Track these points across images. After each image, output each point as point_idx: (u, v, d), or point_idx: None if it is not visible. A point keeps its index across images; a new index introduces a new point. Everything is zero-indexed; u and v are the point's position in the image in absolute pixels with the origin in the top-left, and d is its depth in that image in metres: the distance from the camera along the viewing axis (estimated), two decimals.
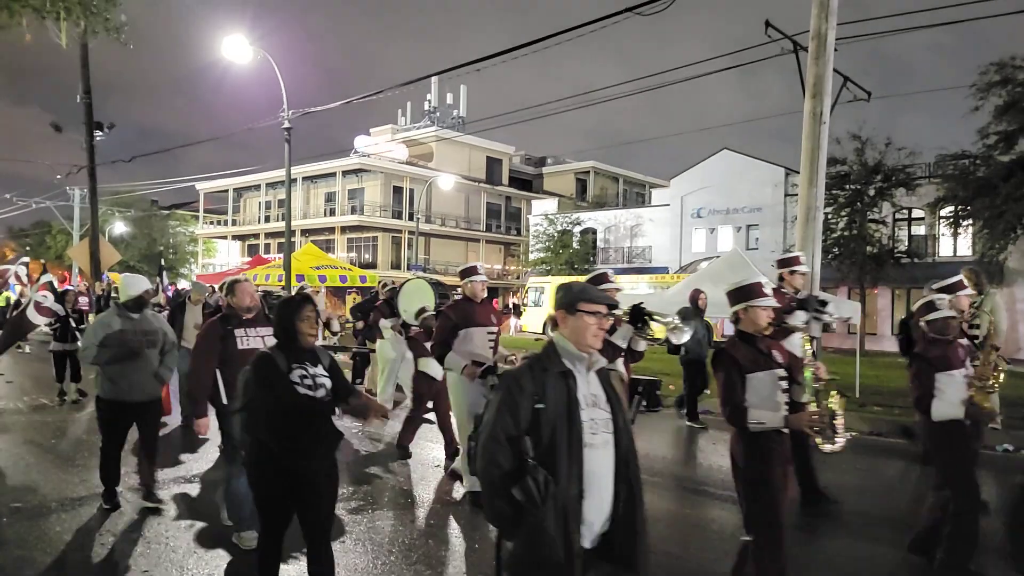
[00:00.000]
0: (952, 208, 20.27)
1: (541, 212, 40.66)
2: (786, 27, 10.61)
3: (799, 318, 5.39)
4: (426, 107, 51.54)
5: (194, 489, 6.00)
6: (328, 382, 3.48)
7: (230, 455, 4.70)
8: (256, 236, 48.88)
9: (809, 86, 9.90)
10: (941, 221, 24.20)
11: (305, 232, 43.91)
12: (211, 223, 52.90)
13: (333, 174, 44.78)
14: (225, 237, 50.55)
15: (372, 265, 41.47)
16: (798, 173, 10.37)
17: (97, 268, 16.10)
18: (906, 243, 25.84)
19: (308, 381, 3.38)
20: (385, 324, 9.14)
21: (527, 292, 31.34)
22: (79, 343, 10.06)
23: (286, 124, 18.07)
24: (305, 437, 3.32)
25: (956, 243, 25.40)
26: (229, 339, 4.59)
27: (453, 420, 6.37)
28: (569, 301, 2.56)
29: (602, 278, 5.61)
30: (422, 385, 7.33)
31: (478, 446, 2.44)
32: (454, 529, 5.22)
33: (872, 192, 23.31)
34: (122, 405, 5.27)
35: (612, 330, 4.97)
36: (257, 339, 4.61)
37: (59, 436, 8.05)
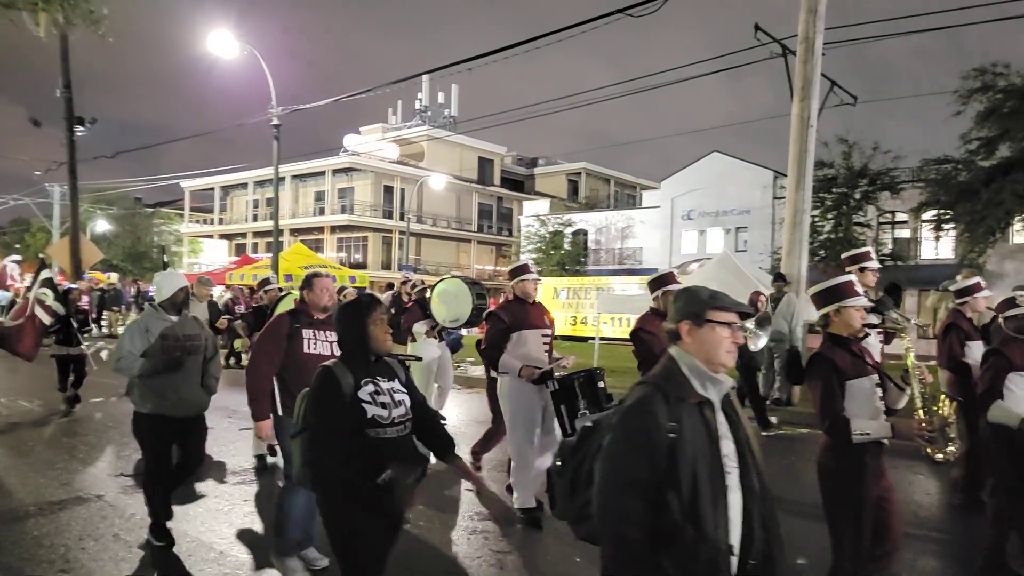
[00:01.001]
0: (935, 212, 20.45)
1: (533, 213, 40.67)
2: (775, 31, 10.69)
3: (871, 321, 4.72)
4: (417, 106, 51.46)
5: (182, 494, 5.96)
6: (407, 399, 2.97)
7: (286, 470, 4.09)
8: (243, 235, 48.63)
9: (797, 89, 9.97)
10: (924, 225, 24.39)
11: (294, 231, 43.73)
12: (197, 222, 52.61)
13: (322, 173, 44.62)
14: (211, 236, 50.23)
15: (362, 265, 41.35)
16: (786, 176, 10.44)
17: (78, 267, 15.95)
18: (890, 246, 26.11)
19: (382, 399, 2.86)
20: (419, 328, 8.20)
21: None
22: (83, 346, 9.57)
23: (275, 121, 17.99)
24: (385, 465, 2.74)
25: (938, 246, 25.66)
26: (295, 339, 4.11)
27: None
28: (696, 309, 2.14)
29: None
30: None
31: (599, 498, 2.00)
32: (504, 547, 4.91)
33: (858, 195, 23.53)
34: (166, 421, 4.62)
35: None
36: (325, 344, 4.14)
37: (37, 440, 7.94)
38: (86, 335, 10.20)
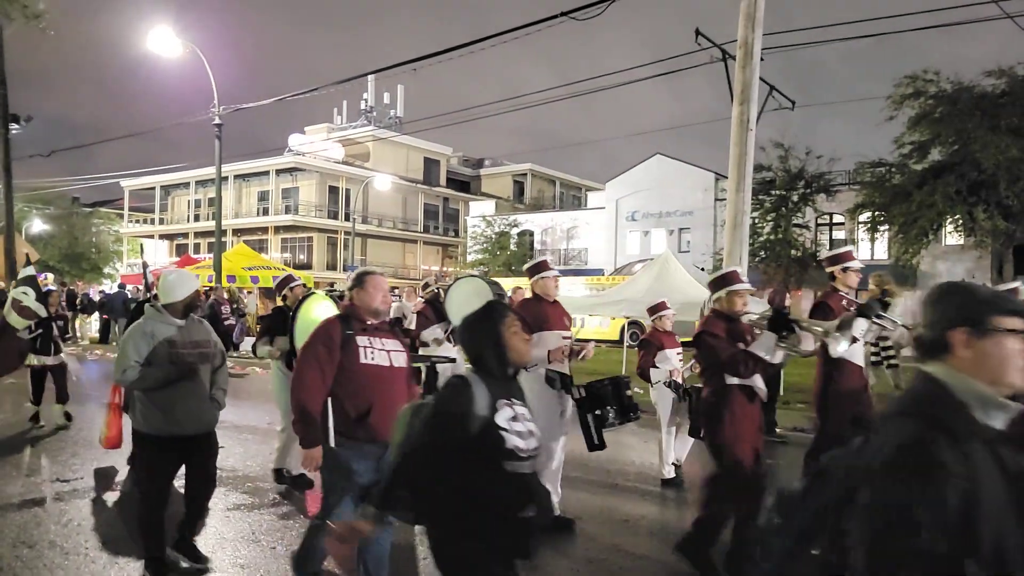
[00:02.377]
0: (870, 214, 21.30)
1: (479, 213, 40.73)
2: (715, 35, 10.97)
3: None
4: (363, 106, 50.96)
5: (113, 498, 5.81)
6: (535, 427, 2.49)
7: (327, 507, 3.50)
8: (185, 235, 47.37)
9: (737, 93, 10.23)
10: (860, 226, 25.37)
11: (237, 232, 42.75)
12: (137, 221, 51.04)
13: (266, 172, 43.81)
14: (152, 236, 48.78)
15: (307, 266, 40.74)
16: (727, 178, 10.73)
17: (12, 267, 15.50)
18: (828, 247, 27.03)
19: (519, 426, 2.38)
20: (429, 335, 7.49)
21: None
22: (63, 356, 8.67)
23: (217, 120, 17.62)
24: (520, 505, 2.35)
25: (873, 247, 26.69)
26: (349, 348, 3.46)
27: None
28: (974, 314, 1.61)
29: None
30: None
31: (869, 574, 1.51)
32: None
33: (796, 198, 24.31)
34: (172, 441, 4.05)
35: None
36: (383, 354, 3.52)
37: None
38: (67, 342, 9.23)
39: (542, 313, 5.01)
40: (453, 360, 7.09)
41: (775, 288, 9.10)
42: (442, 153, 50.91)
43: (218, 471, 6.23)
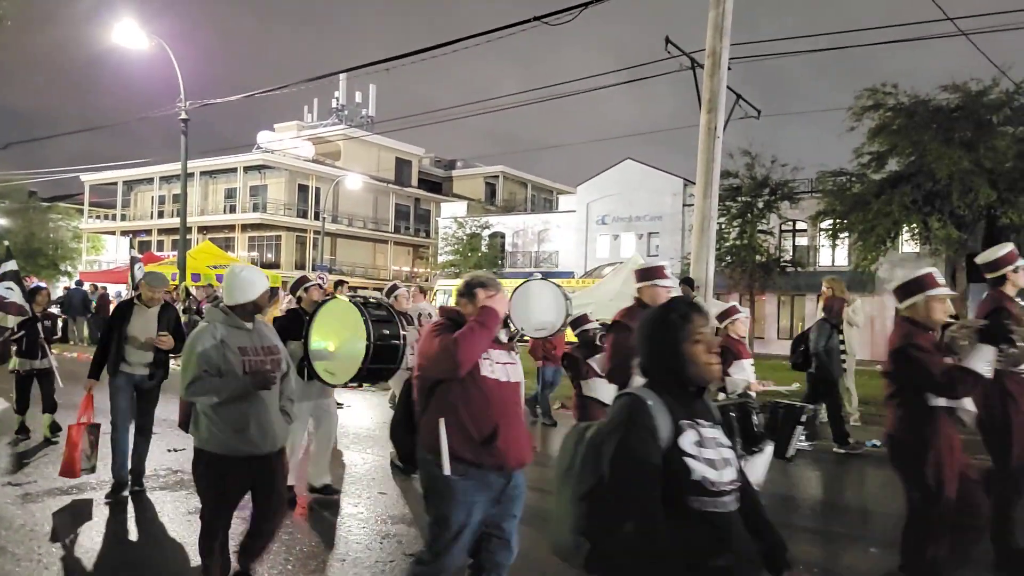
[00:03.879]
0: (831, 221, 21.77)
1: (450, 215, 40.64)
2: (684, 44, 11.11)
3: None
4: (334, 104, 50.58)
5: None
6: (734, 456, 2.08)
7: (439, 546, 3.02)
8: (148, 232, 46.48)
9: (705, 101, 10.37)
10: (821, 233, 25.90)
11: (203, 229, 42.07)
12: (97, 217, 49.93)
13: (234, 169, 43.19)
14: (113, 232, 47.78)
15: (275, 265, 40.24)
16: (695, 184, 10.88)
17: None
18: (791, 253, 27.59)
19: (709, 452, 1.98)
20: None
21: (435, 295, 31.27)
22: (50, 360, 7.70)
23: (183, 115, 17.35)
24: (710, 555, 1.94)
25: (834, 254, 27.26)
26: None
27: None
28: None
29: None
30: (591, 413, 5.51)
31: None
32: None
33: (761, 204, 24.77)
34: (240, 462, 3.53)
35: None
36: (501, 368, 3.10)
37: None
38: (54, 345, 8.23)
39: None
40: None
41: (830, 295, 8.61)
42: (414, 153, 50.74)
43: (182, 473, 6.20)
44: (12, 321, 7.16)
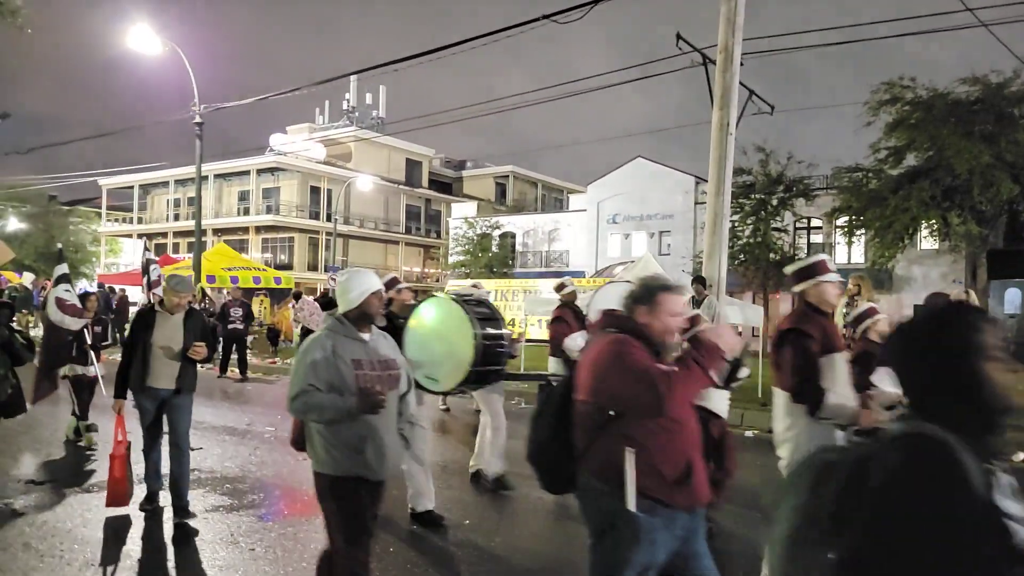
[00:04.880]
0: (847, 218, 21.56)
1: (461, 215, 40.70)
2: (696, 40, 11.07)
3: None
4: (345, 106, 50.77)
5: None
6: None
7: None
8: (164, 235, 46.88)
9: (717, 98, 10.32)
10: (837, 230, 25.68)
11: (217, 231, 42.42)
12: (115, 220, 50.43)
13: (247, 172, 43.50)
14: (130, 236, 48.21)
15: (288, 266, 40.51)
16: (707, 181, 10.83)
17: None
18: (806, 251, 27.35)
19: (1016, 508, 1.44)
20: (572, 343, 6.27)
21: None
22: (95, 368, 7.55)
23: (197, 119, 17.48)
24: None
25: (850, 251, 27.03)
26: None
27: None
28: None
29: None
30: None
31: None
32: None
33: (775, 202, 24.56)
34: (364, 486, 3.22)
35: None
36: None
37: None
38: (103, 350, 8.05)
39: (828, 330, 3.64)
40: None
41: (855, 293, 8.34)
42: (424, 154, 50.87)
43: (196, 472, 6.24)
44: (76, 324, 7.04)
